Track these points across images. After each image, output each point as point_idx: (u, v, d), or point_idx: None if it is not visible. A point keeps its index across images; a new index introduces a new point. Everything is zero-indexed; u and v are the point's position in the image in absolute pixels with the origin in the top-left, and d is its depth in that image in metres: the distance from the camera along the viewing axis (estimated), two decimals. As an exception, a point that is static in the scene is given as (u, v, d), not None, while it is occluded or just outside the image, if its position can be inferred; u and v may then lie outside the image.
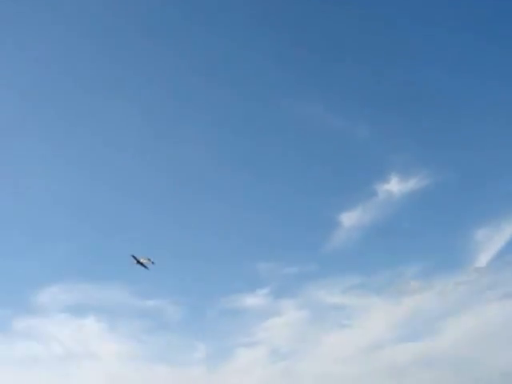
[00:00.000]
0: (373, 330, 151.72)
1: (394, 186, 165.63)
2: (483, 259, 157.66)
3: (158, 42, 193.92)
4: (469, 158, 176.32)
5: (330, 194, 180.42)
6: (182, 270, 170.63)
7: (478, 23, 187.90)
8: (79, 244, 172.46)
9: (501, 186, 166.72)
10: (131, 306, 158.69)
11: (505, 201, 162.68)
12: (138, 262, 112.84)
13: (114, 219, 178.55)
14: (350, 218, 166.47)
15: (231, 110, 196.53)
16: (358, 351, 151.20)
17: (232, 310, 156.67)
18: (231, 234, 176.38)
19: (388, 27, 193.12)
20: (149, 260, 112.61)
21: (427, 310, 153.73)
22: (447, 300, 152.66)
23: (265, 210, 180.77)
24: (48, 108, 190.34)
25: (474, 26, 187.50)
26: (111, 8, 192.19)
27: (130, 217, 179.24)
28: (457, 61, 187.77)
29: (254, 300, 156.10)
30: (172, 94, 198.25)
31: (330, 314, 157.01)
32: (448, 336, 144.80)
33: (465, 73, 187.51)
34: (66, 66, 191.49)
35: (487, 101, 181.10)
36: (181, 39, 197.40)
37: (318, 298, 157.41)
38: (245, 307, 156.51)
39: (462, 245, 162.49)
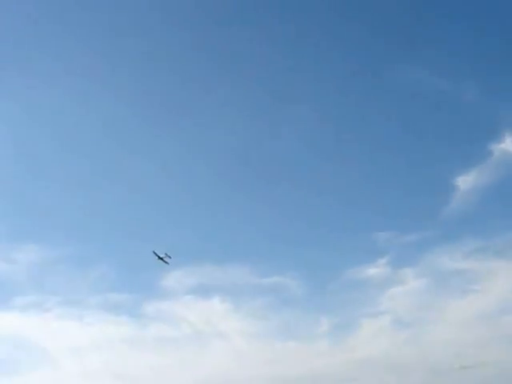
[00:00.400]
0: (498, 293, 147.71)
1: (510, 145, 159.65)
2: None
3: (256, 32, 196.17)
4: None
5: (444, 158, 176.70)
6: (301, 245, 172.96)
7: None
8: (199, 229, 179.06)
9: None
10: (253, 285, 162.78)
11: None
12: (159, 257, 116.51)
13: (232, 204, 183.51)
14: (466, 182, 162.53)
15: (339, 82, 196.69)
16: (484, 316, 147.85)
17: (353, 281, 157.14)
18: (348, 206, 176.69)
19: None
20: (166, 255, 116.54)
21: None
22: None
23: (380, 180, 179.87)
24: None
25: None
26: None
27: (248, 199, 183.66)
28: None
29: (374, 270, 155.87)
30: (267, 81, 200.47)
31: (453, 280, 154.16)
32: None
33: None
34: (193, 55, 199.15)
35: None
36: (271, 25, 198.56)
37: (439, 265, 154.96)
38: (366, 278, 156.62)
39: None
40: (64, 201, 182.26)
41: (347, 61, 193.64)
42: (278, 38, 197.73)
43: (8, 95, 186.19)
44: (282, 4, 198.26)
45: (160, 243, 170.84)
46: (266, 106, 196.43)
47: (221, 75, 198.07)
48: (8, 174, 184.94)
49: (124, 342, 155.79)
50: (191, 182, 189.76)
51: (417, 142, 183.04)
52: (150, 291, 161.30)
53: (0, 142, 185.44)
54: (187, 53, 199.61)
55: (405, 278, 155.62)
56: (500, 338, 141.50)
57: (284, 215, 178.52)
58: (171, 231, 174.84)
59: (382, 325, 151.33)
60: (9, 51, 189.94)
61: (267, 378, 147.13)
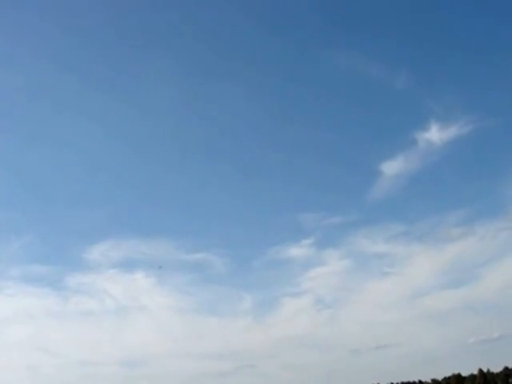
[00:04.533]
0: (416, 277, 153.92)
1: (435, 134, 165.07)
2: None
3: None
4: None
5: (370, 143, 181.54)
6: (226, 222, 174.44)
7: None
8: (124, 202, 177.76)
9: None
10: (178, 260, 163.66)
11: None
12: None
13: (158, 179, 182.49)
14: (390, 167, 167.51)
15: (274, 62, 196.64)
16: (401, 298, 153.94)
17: (277, 260, 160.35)
18: (273, 187, 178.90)
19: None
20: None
21: (469, 257, 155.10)
22: (489, 246, 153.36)
23: (307, 163, 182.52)
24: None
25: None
26: None
27: (174, 174, 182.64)
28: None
29: (298, 250, 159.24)
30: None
31: (373, 263, 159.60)
32: (491, 282, 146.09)
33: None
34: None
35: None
36: None
37: (361, 247, 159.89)
38: (289, 258, 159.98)
39: (503, 192, 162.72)
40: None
41: (281, 45, 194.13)
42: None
43: None
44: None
45: (85, 215, 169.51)
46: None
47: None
48: None
49: (46, 314, 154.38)
50: (117, 158, 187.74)
51: (345, 125, 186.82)
52: (74, 264, 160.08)
53: None
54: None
55: (327, 259, 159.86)
56: (414, 320, 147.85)
57: (210, 192, 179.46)
58: (96, 204, 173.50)
59: (304, 304, 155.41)
60: None
61: (189, 353, 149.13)
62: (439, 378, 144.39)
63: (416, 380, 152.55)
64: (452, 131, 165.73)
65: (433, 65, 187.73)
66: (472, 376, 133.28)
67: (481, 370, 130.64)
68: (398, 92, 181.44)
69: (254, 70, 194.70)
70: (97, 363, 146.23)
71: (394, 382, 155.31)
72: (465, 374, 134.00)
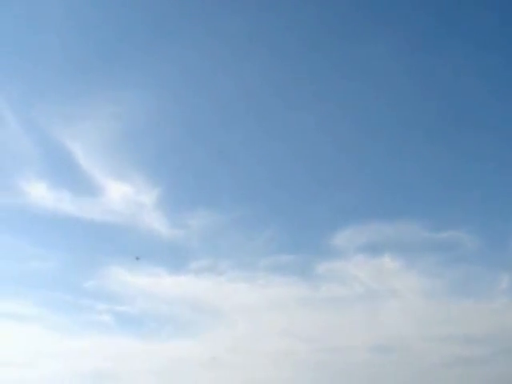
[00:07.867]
0: None
1: None
2: None
3: None
4: None
5: None
6: (476, 194, 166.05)
7: None
8: (366, 185, 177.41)
9: None
10: (425, 240, 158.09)
11: None
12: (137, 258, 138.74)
13: (401, 153, 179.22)
14: None
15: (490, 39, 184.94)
16: None
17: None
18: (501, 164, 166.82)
19: None
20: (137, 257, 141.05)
21: None
22: None
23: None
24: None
25: None
26: None
27: (420, 145, 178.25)
28: None
29: None
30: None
31: None
32: None
33: None
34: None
35: None
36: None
37: None
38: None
39: None
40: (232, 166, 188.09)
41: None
42: None
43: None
44: None
45: (327, 202, 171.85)
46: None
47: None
48: (177, 141, 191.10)
49: (296, 302, 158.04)
50: (356, 136, 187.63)
51: None
52: (320, 251, 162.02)
53: (167, 112, 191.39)
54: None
55: None
56: None
57: (460, 161, 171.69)
58: (338, 189, 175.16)
59: None
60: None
61: (441, 337, 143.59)
62: None
63: None
64: None
65: None
66: None
67: None
68: None
69: (469, 45, 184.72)
70: (348, 348, 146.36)
71: None
72: None
